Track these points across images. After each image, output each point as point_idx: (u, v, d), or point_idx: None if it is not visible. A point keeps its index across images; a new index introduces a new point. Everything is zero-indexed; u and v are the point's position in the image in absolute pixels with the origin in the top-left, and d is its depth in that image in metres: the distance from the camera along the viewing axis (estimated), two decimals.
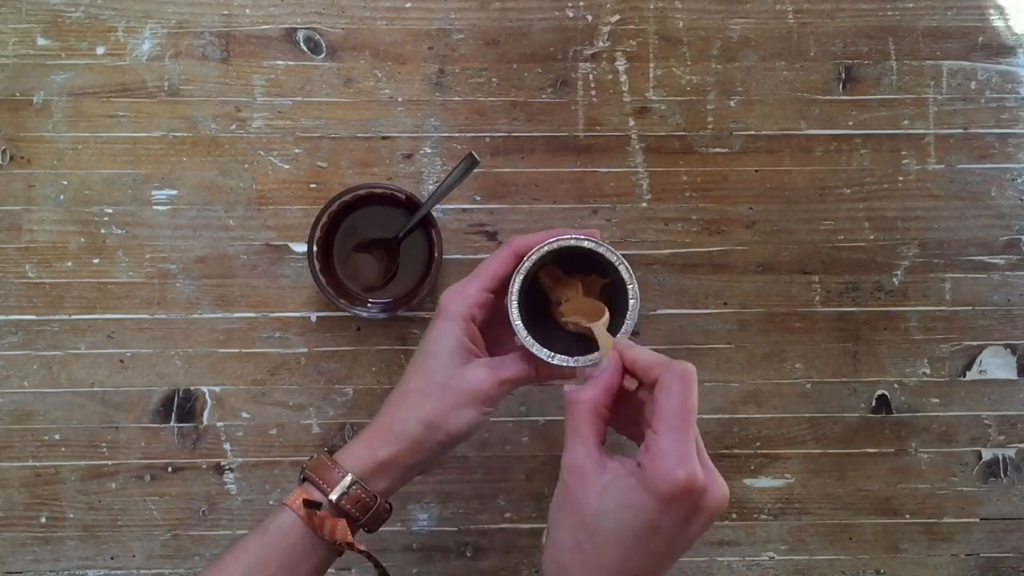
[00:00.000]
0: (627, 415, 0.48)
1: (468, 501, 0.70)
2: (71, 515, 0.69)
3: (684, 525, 0.42)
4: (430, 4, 0.71)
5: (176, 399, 0.69)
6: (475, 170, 0.65)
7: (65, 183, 0.69)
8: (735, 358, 0.71)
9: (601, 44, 0.71)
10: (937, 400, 0.71)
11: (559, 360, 0.51)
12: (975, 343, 0.71)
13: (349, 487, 0.51)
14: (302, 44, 0.70)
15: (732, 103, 0.71)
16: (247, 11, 0.70)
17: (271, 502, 0.69)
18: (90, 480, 0.69)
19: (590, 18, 0.71)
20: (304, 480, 0.53)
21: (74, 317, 0.69)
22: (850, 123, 0.71)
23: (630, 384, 0.47)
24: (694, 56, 0.71)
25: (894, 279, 0.71)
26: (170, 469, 0.69)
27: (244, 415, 0.69)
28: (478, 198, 0.71)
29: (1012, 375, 0.71)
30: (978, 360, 0.71)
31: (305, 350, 0.70)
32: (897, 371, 0.71)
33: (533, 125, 0.71)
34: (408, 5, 0.71)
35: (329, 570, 0.54)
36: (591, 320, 0.51)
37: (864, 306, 0.71)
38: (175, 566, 0.69)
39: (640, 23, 0.71)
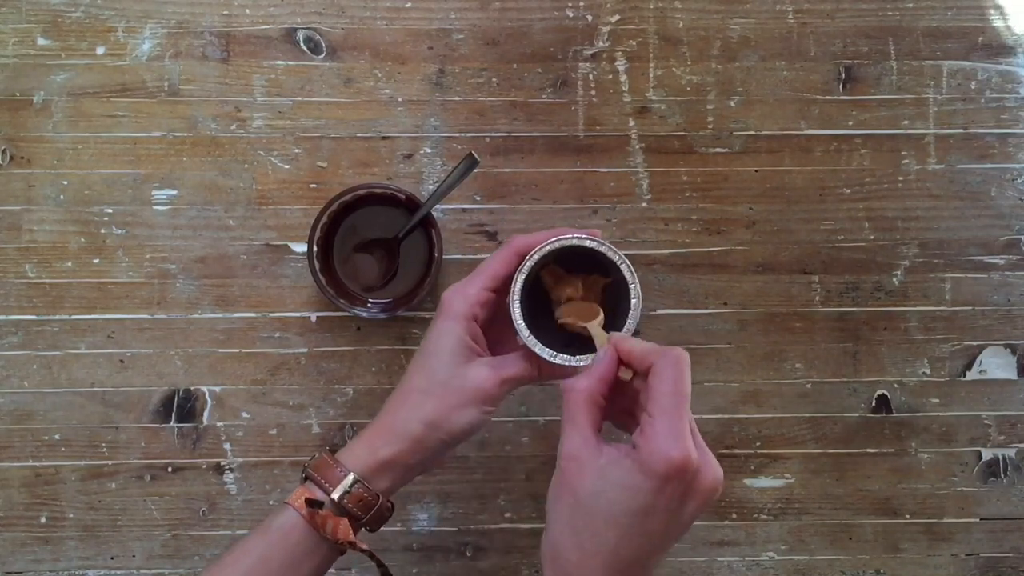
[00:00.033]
0: (623, 405, 0.48)
1: (468, 501, 0.70)
2: (71, 515, 0.69)
3: (679, 507, 0.43)
4: (430, 4, 0.71)
5: (176, 399, 0.69)
6: (475, 170, 0.65)
7: (65, 183, 0.69)
8: (735, 358, 0.71)
9: (601, 44, 0.71)
10: (937, 400, 0.71)
11: (561, 359, 0.51)
12: (975, 343, 0.71)
13: (351, 486, 0.51)
14: (302, 44, 0.70)
15: (732, 103, 0.71)
16: (247, 11, 0.70)
17: (271, 502, 0.69)
18: (90, 480, 0.69)
19: (590, 18, 0.71)
20: (306, 479, 0.53)
21: (74, 317, 0.69)
22: (850, 123, 0.71)
23: (625, 374, 0.47)
24: (694, 56, 0.71)
25: (894, 279, 0.71)
26: (170, 469, 0.69)
27: (244, 415, 0.69)
28: (478, 198, 0.71)
29: (1012, 375, 0.71)
30: (978, 360, 0.71)
31: (305, 350, 0.70)
32: (897, 371, 0.71)
33: (533, 125, 0.71)
34: (408, 5, 0.71)
35: (330, 570, 0.54)
36: (586, 320, 0.51)
37: (864, 306, 0.71)
38: (175, 566, 0.69)
39: (640, 23, 0.71)
